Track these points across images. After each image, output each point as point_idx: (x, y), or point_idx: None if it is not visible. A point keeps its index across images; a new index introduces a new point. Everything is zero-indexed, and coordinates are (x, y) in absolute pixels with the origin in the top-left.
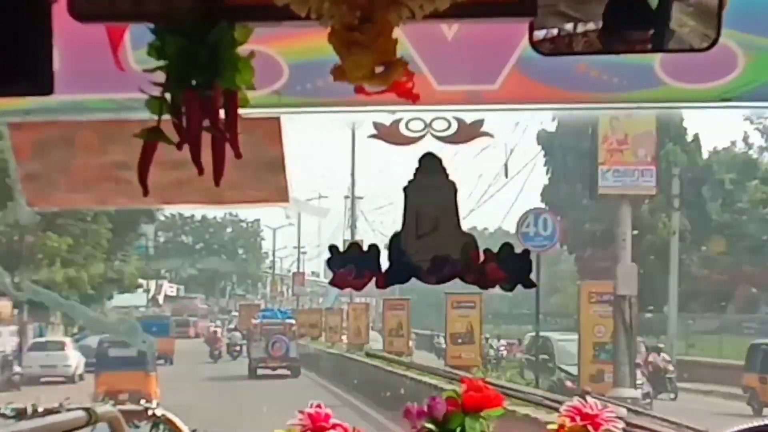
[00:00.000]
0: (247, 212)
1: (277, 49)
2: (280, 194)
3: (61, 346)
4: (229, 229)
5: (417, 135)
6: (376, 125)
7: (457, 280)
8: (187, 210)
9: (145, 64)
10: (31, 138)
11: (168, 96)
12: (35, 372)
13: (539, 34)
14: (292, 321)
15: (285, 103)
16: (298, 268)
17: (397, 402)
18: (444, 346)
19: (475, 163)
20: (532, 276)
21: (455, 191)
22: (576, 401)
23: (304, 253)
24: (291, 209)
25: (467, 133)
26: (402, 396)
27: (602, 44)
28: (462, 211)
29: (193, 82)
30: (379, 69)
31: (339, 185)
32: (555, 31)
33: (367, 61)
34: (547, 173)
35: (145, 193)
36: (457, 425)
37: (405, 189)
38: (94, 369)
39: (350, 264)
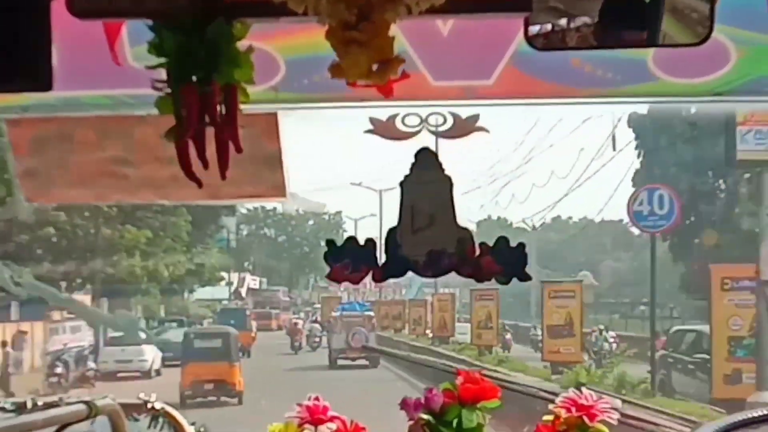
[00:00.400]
0: (329, 204)
1: (274, 45)
2: (278, 189)
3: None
4: (311, 222)
5: (413, 130)
6: (372, 120)
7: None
8: (269, 203)
9: (143, 61)
10: (29, 134)
11: (172, 92)
12: (110, 368)
13: (534, 29)
14: (371, 313)
15: (282, 99)
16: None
17: None
18: (540, 338)
19: (578, 137)
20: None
21: (451, 186)
22: (571, 392)
23: None
24: (289, 203)
25: (463, 127)
26: None
27: (596, 39)
28: (560, 192)
29: (193, 78)
30: (375, 67)
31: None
32: (549, 27)
33: (364, 60)
34: (639, 156)
35: (200, 185)
36: (453, 417)
37: (401, 184)
38: (180, 360)
39: (347, 258)
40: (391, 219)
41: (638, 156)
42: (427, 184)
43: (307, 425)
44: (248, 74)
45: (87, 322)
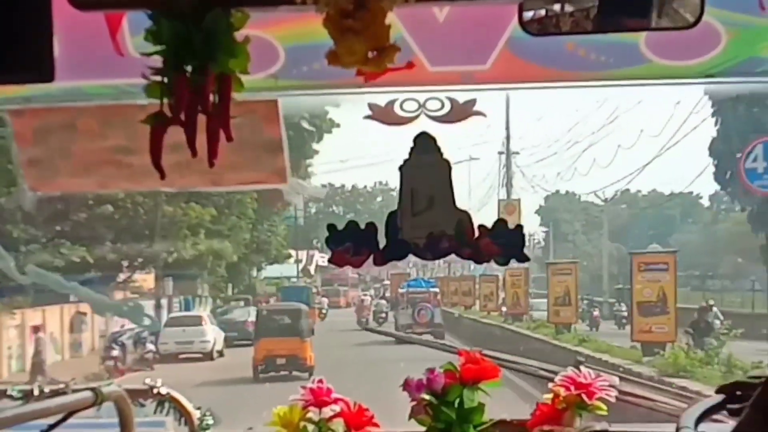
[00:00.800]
0: (396, 181)
1: (274, 33)
2: (279, 175)
3: (198, 320)
4: (379, 198)
5: (411, 115)
6: (371, 106)
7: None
8: (337, 180)
9: (144, 50)
10: (33, 124)
11: (165, 80)
12: (171, 349)
13: (528, 14)
14: (436, 290)
15: (282, 86)
16: None
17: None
18: (624, 314)
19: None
20: None
21: (449, 169)
22: (570, 371)
23: None
24: (290, 189)
25: (460, 112)
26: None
27: (589, 24)
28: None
29: (189, 67)
30: (372, 54)
31: (491, 140)
32: (543, 12)
33: (361, 48)
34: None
35: (162, 176)
36: (455, 397)
37: (400, 168)
38: (254, 336)
39: (348, 242)
40: (458, 194)
41: (715, 124)
42: (426, 168)
43: (311, 407)
44: (243, 64)
45: (93, 310)
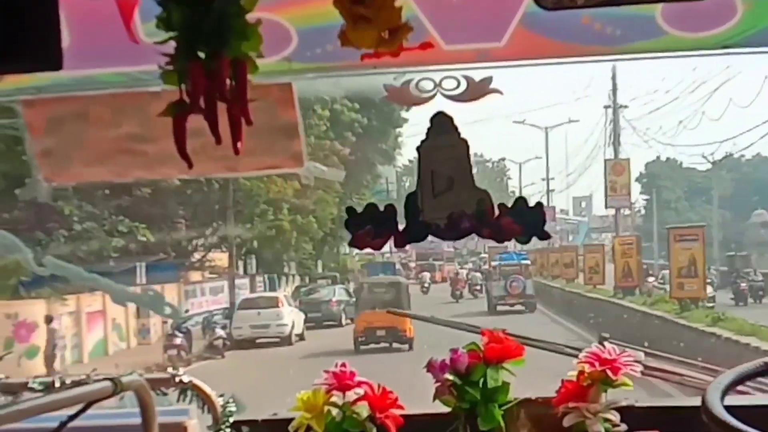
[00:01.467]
0: (491, 151)
1: (286, 15)
2: (295, 159)
3: (274, 302)
4: (474, 170)
5: (427, 95)
6: (386, 87)
7: None
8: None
9: (155, 37)
10: (45, 114)
11: (178, 67)
12: (245, 334)
13: None
14: (527, 262)
15: (295, 69)
16: (548, 202)
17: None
18: (746, 285)
19: None
20: None
21: (468, 148)
22: (594, 347)
23: (552, 191)
24: (308, 173)
25: (476, 90)
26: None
27: None
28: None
29: (201, 53)
30: (386, 34)
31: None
32: None
33: (372, 33)
34: None
35: (190, 165)
36: (479, 377)
37: (418, 149)
38: (355, 308)
39: (368, 225)
40: (555, 162)
41: None
42: (444, 148)
43: (335, 391)
44: (257, 46)
45: (113, 300)
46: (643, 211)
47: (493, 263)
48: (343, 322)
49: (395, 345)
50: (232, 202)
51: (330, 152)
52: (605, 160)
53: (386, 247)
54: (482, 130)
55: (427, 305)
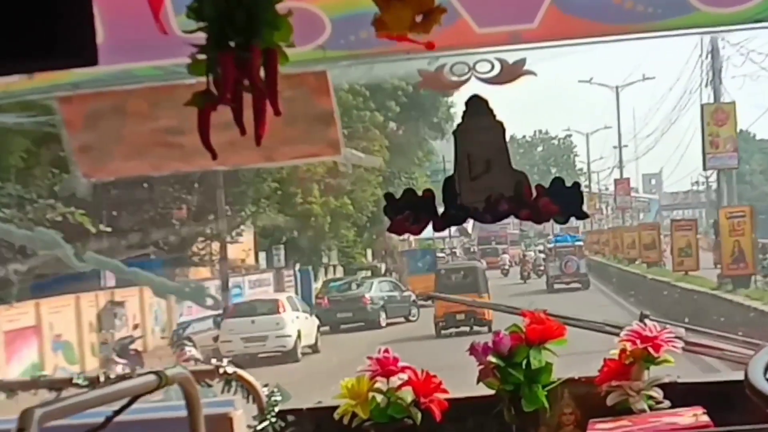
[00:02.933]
0: (556, 128)
1: (319, 4)
2: (332, 147)
3: (273, 306)
4: (539, 148)
5: (461, 79)
6: (421, 72)
7: None
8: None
9: (189, 28)
10: (82, 110)
11: (209, 57)
12: (235, 349)
13: None
14: (581, 243)
15: (330, 57)
16: (621, 174)
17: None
18: None
19: None
20: None
21: (504, 131)
22: (635, 325)
23: (622, 166)
24: (345, 161)
25: (510, 73)
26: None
27: None
28: None
29: (232, 43)
30: (419, 18)
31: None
32: None
33: (407, 14)
34: None
35: (214, 156)
36: (522, 358)
37: (454, 132)
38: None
39: (407, 210)
40: (628, 127)
41: None
42: (480, 131)
43: (379, 377)
44: (287, 37)
45: (154, 293)
46: (713, 185)
47: (549, 245)
48: (383, 322)
49: (475, 328)
50: (251, 182)
51: (370, 125)
52: (702, 106)
53: (446, 233)
54: (547, 103)
55: (500, 286)
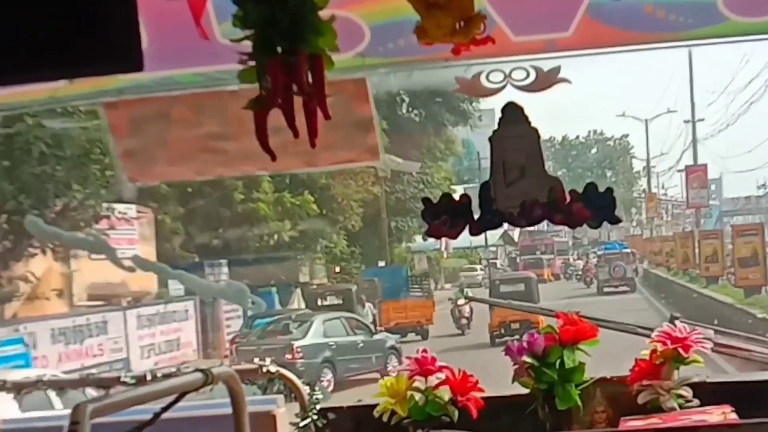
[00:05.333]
0: (613, 128)
1: (358, 12)
2: (371, 153)
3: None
4: (593, 150)
5: (498, 86)
6: (458, 80)
7: None
8: (545, 133)
9: (232, 36)
10: (127, 115)
11: (257, 64)
12: None
13: None
14: (628, 250)
15: (369, 64)
16: (695, 158)
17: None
18: None
19: None
20: None
21: (538, 138)
22: (666, 326)
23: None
24: (384, 166)
25: (545, 80)
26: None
27: None
28: None
29: (278, 49)
30: (459, 25)
31: None
32: None
33: (447, 21)
34: None
35: (273, 158)
36: (556, 358)
37: (490, 139)
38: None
39: (444, 215)
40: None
41: None
42: (516, 138)
43: (417, 377)
44: (332, 42)
45: (200, 296)
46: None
47: (599, 252)
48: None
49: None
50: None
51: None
52: None
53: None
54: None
55: (562, 290)
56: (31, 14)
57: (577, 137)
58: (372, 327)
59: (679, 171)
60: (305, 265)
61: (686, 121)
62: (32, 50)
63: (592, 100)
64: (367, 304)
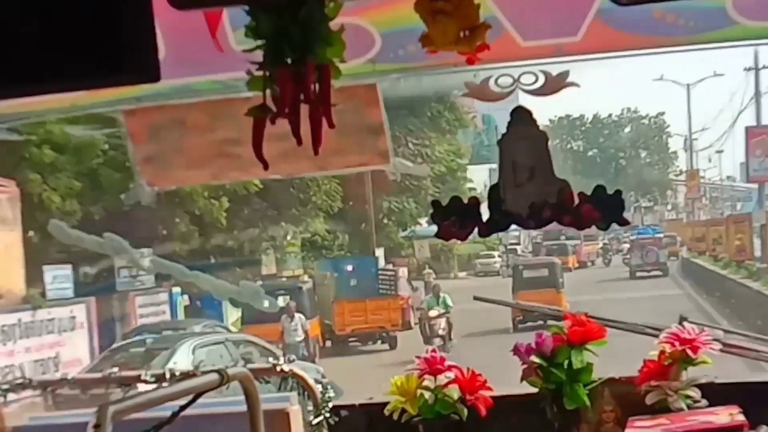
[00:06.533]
0: (647, 106)
1: (369, 19)
2: (382, 156)
3: None
4: (627, 129)
5: (506, 90)
6: (467, 84)
7: None
8: (575, 111)
9: (246, 44)
10: (146, 123)
11: (266, 73)
12: None
13: None
14: (660, 235)
15: (380, 70)
16: (757, 116)
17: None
18: None
19: None
20: None
21: (547, 140)
22: (674, 327)
23: (706, 148)
24: (394, 170)
25: (554, 84)
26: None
27: None
28: None
29: (288, 59)
30: (464, 34)
31: None
32: None
33: (452, 29)
34: None
35: (265, 167)
36: (564, 359)
37: (499, 142)
38: (512, 289)
39: (454, 216)
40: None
41: None
42: (524, 140)
43: (427, 376)
44: (340, 53)
45: (216, 296)
46: None
47: (631, 237)
48: None
49: (550, 322)
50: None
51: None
52: None
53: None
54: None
55: (598, 276)
56: (50, 27)
57: (610, 115)
58: (280, 353)
59: (718, 152)
60: (267, 255)
61: (747, 69)
62: (52, 62)
63: (625, 62)
64: (297, 315)
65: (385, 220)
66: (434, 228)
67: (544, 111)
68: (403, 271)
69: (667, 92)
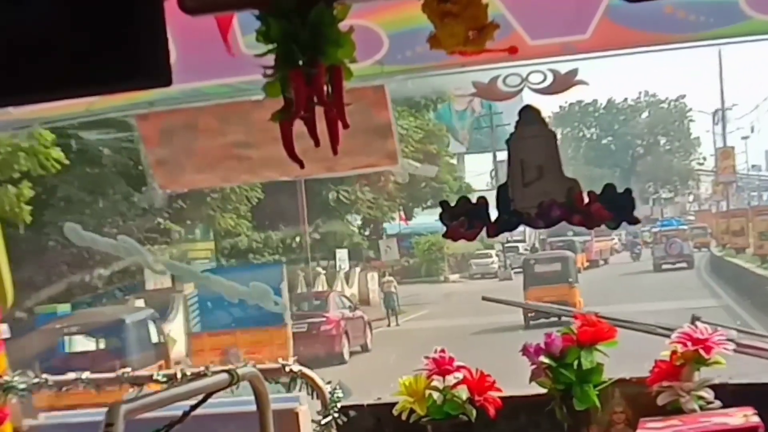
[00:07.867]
0: (668, 90)
1: (376, 21)
2: (390, 157)
3: None
4: (644, 114)
5: (514, 90)
6: (475, 84)
7: None
8: (588, 96)
9: (256, 48)
10: (158, 126)
11: (279, 76)
12: None
13: None
14: (685, 227)
15: (388, 71)
16: None
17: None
18: None
19: None
20: None
21: (555, 139)
22: (686, 327)
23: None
24: (402, 171)
25: (563, 83)
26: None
27: None
28: None
29: (299, 62)
30: (471, 34)
31: None
32: None
33: (460, 30)
34: None
35: (301, 166)
36: (573, 359)
37: (507, 141)
38: (524, 284)
39: (462, 217)
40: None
41: None
42: (533, 139)
43: (435, 376)
44: (350, 53)
45: (227, 296)
46: None
47: (654, 229)
48: None
49: (564, 319)
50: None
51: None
52: None
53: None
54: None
55: (625, 269)
56: (64, 34)
57: (626, 100)
58: None
59: (743, 138)
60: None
61: None
62: (66, 68)
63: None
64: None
65: (332, 213)
66: (420, 223)
67: (554, 97)
68: (372, 277)
69: (696, 59)
